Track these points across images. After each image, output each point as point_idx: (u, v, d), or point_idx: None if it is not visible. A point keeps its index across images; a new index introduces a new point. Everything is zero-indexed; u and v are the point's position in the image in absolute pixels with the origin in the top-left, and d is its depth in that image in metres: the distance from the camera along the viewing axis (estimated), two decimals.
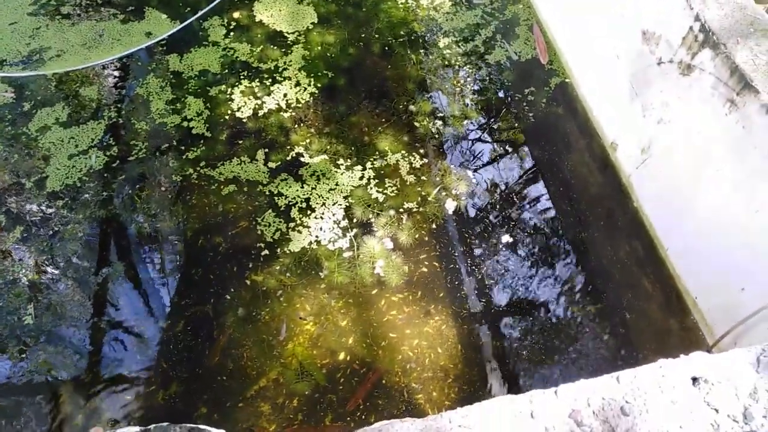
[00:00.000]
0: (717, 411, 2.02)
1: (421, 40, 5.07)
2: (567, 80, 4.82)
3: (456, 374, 3.60)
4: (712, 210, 3.33)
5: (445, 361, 3.63)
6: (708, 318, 3.53)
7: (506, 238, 4.09)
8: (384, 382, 3.54)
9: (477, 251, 4.05)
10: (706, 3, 3.18)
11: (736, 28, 3.05)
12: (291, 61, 4.80)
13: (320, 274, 3.84)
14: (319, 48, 4.92)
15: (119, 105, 4.53)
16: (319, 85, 4.69)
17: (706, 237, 3.43)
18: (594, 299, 3.90)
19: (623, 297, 3.86)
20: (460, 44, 5.04)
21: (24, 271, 3.77)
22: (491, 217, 4.20)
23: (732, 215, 3.15)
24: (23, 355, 3.50)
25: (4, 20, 4.91)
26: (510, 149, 4.57)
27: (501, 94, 4.79)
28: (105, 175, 4.18)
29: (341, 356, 3.60)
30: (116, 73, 4.74)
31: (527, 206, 4.28)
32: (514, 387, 3.60)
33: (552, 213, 4.25)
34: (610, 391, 2.08)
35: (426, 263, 3.96)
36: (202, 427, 2.06)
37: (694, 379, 2.15)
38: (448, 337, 3.71)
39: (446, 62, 4.94)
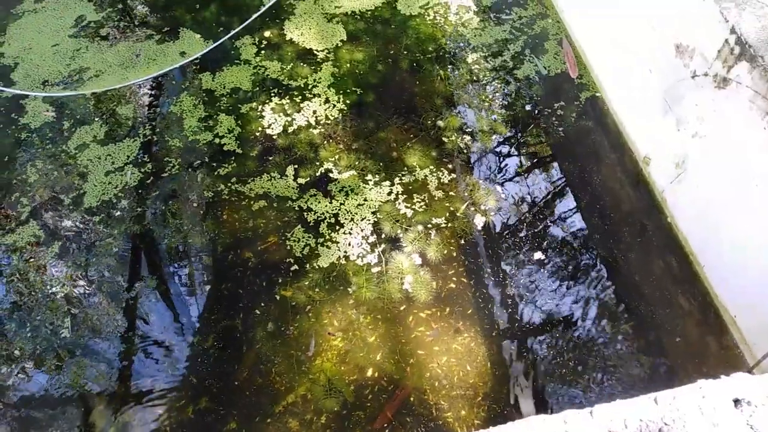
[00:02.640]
0: None
1: (449, 56, 5.09)
2: (597, 94, 4.77)
3: (485, 392, 3.54)
4: (751, 226, 3.23)
5: (474, 379, 3.58)
6: (748, 337, 3.41)
7: (536, 255, 4.04)
8: (412, 399, 3.50)
9: (506, 267, 4.00)
10: (742, 15, 3.11)
11: None
12: (320, 78, 4.86)
13: (349, 289, 3.84)
14: (348, 65, 4.98)
15: (154, 123, 4.65)
16: (348, 101, 4.74)
17: (745, 253, 3.32)
18: (628, 317, 3.81)
19: (658, 315, 3.76)
20: (488, 59, 5.04)
21: (60, 285, 3.87)
22: (521, 233, 4.15)
23: None
24: (60, 368, 3.58)
25: (47, 42, 5.11)
26: (539, 164, 4.53)
27: (530, 109, 4.76)
28: (139, 191, 4.28)
29: (369, 373, 3.58)
30: (151, 92, 4.87)
31: (557, 221, 4.22)
32: (545, 406, 3.52)
33: (583, 228, 4.18)
34: (648, 413, 2.02)
35: (454, 279, 3.93)
36: None
37: (736, 401, 2.07)
38: (477, 355, 3.66)
39: (474, 78, 4.94)
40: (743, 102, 3.10)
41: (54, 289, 3.85)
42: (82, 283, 3.89)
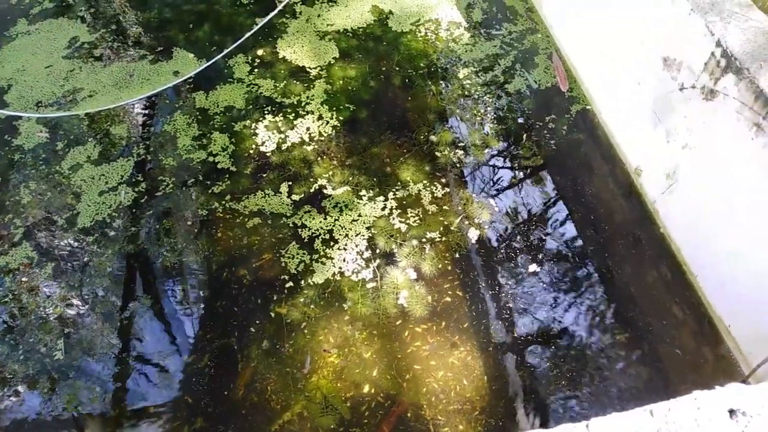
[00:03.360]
0: None
1: (440, 72, 5.14)
2: (588, 107, 4.82)
3: (482, 406, 3.53)
4: (742, 235, 3.25)
5: (471, 393, 3.57)
6: (742, 346, 3.42)
7: (531, 267, 4.05)
8: (409, 415, 3.48)
9: (501, 280, 4.01)
10: (727, 29, 3.17)
11: (759, 52, 3.02)
12: (313, 95, 4.90)
13: (344, 305, 3.83)
14: (341, 82, 5.02)
15: (147, 142, 4.67)
16: (341, 118, 4.77)
17: (737, 263, 3.34)
18: (623, 328, 3.81)
19: (653, 325, 3.77)
20: (479, 74, 5.09)
21: (53, 306, 3.85)
22: (515, 246, 4.17)
23: (764, 241, 3.07)
24: (53, 390, 3.54)
25: (41, 63, 5.14)
26: (532, 177, 4.56)
27: (521, 122, 4.80)
28: (133, 210, 4.28)
29: (366, 389, 3.56)
30: (145, 112, 4.89)
31: (551, 233, 4.24)
32: (542, 420, 3.50)
33: (577, 240, 4.20)
34: (644, 425, 2.02)
35: (450, 293, 3.93)
36: None
37: (731, 412, 2.08)
38: (474, 369, 3.65)
39: (466, 92, 4.99)
40: (731, 113, 3.14)
41: (47, 310, 3.83)
42: (75, 303, 3.87)
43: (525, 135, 4.73)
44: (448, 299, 3.91)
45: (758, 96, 2.91)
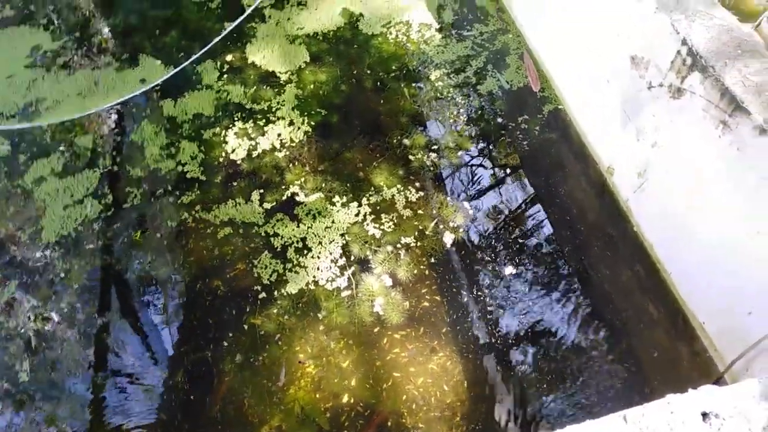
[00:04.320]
0: None
1: (412, 74, 5.10)
2: (560, 107, 4.82)
3: (463, 412, 3.51)
4: (712, 233, 3.27)
5: (451, 399, 3.54)
6: (717, 343, 3.44)
7: (508, 269, 4.03)
8: (389, 423, 3.45)
9: (479, 283, 3.99)
10: (692, 27, 3.18)
11: (724, 50, 3.04)
12: (284, 100, 4.83)
13: (319, 315, 3.78)
14: (312, 86, 4.96)
15: (114, 153, 4.55)
16: (312, 123, 4.70)
17: (709, 260, 3.36)
18: (599, 327, 3.82)
19: (629, 323, 3.78)
20: (451, 76, 5.07)
21: (17, 325, 3.73)
22: (491, 248, 4.15)
23: (733, 238, 3.10)
24: (20, 410, 3.43)
25: (1, 74, 4.98)
26: (506, 178, 4.55)
27: (494, 124, 4.79)
28: (100, 223, 4.16)
29: (345, 399, 3.52)
30: (111, 121, 4.77)
31: (527, 234, 4.23)
32: (522, 423, 3.49)
33: (552, 240, 4.20)
34: None
35: (427, 298, 3.90)
36: None
37: (704, 415, 2.07)
38: (454, 374, 3.63)
39: (439, 94, 4.96)
40: (698, 111, 3.15)
41: (11, 328, 3.70)
42: (41, 321, 3.76)
43: (498, 136, 4.72)
44: (426, 304, 3.88)
45: (723, 94, 2.93)
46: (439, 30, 5.39)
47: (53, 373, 3.58)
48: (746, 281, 3.09)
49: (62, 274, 3.94)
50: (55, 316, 3.78)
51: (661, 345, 3.67)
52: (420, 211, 4.25)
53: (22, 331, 3.71)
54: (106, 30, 5.44)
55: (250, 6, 5.35)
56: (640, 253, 3.98)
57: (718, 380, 3.33)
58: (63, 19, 5.51)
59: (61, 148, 4.54)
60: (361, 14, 5.48)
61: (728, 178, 3.05)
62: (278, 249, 4.02)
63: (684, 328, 3.64)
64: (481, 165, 4.59)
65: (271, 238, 4.07)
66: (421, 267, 4.00)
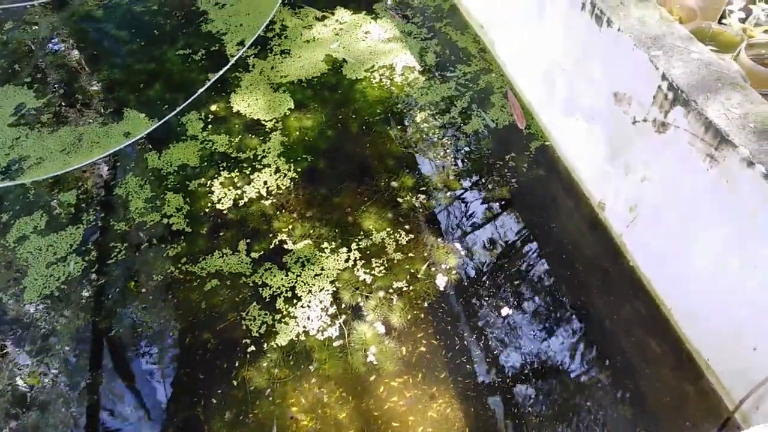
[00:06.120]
0: None
1: (398, 117, 5.11)
2: (547, 143, 4.82)
3: None
4: (708, 267, 3.20)
5: None
6: (724, 380, 3.33)
7: (503, 309, 3.93)
8: None
9: (475, 325, 3.88)
10: (671, 62, 3.19)
11: (704, 83, 3.04)
12: (270, 148, 4.80)
13: (311, 366, 3.65)
14: (298, 133, 4.94)
15: (98, 208, 4.48)
16: (299, 169, 4.67)
17: (708, 296, 3.28)
18: (602, 366, 3.70)
19: (632, 362, 3.66)
20: (436, 117, 5.08)
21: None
22: (485, 288, 4.06)
23: (730, 273, 3.02)
24: None
25: None
26: (497, 217, 4.49)
27: (482, 162, 4.77)
28: (83, 281, 4.06)
29: None
30: (95, 176, 4.72)
31: (520, 273, 4.15)
32: None
33: (548, 278, 4.11)
34: None
35: (423, 343, 3.78)
36: None
37: None
38: (455, 421, 3.48)
39: (424, 136, 4.95)
40: (684, 145, 3.13)
41: None
42: (23, 385, 3.60)
43: (487, 174, 4.69)
44: (422, 349, 3.76)
45: (708, 127, 2.91)
46: (423, 72, 5.43)
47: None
48: (747, 316, 3.00)
49: (44, 335, 3.80)
50: (35, 379, 3.63)
51: (667, 384, 3.54)
52: (411, 254, 4.17)
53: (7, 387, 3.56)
54: (90, 85, 5.46)
55: (233, 56, 5.39)
56: (638, 289, 3.89)
57: (728, 420, 3.20)
58: (47, 76, 5.53)
59: (44, 206, 4.46)
60: (344, 60, 5.53)
61: (720, 210, 3.00)
62: (267, 299, 3.92)
63: (689, 366, 3.52)
64: (470, 205, 4.55)
65: (260, 289, 3.97)
66: (415, 311, 3.90)
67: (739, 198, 2.81)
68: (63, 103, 5.25)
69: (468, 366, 3.70)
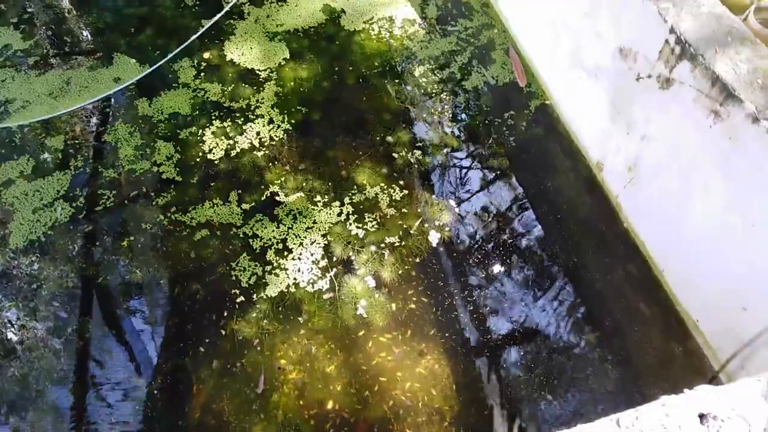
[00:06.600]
0: None
1: (396, 70, 4.98)
2: (547, 102, 4.72)
3: (452, 416, 3.38)
4: (706, 227, 3.17)
5: (440, 403, 3.41)
6: (711, 341, 3.34)
7: (496, 268, 3.91)
8: (376, 430, 3.31)
9: (467, 283, 3.86)
10: (681, 15, 3.08)
11: (713, 38, 2.94)
12: (263, 98, 4.68)
13: (300, 318, 3.63)
14: (292, 84, 4.82)
15: (86, 154, 4.38)
16: (293, 121, 4.56)
17: (702, 256, 3.26)
18: (592, 327, 3.71)
19: (622, 323, 3.67)
20: (436, 72, 4.95)
21: None
22: (478, 247, 4.03)
23: (728, 231, 2.99)
24: None
25: None
26: (493, 175, 4.43)
27: (480, 120, 4.67)
28: (71, 227, 3.99)
29: (329, 405, 3.38)
30: (84, 122, 4.60)
31: (514, 232, 4.11)
32: (514, 426, 3.37)
33: (541, 238, 4.08)
34: None
35: (414, 299, 3.76)
36: None
37: (702, 416, 1.95)
38: (442, 377, 3.50)
39: (423, 91, 4.84)
40: (688, 102, 3.05)
41: None
42: (11, 330, 3.58)
43: (484, 132, 4.60)
44: (413, 306, 3.75)
45: (714, 82, 2.83)
46: (423, 25, 5.27)
47: (20, 386, 3.40)
48: (740, 275, 2.99)
49: (31, 280, 3.76)
50: (22, 325, 3.60)
51: (655, 344, 3.56)
52: (404, 210, 4.11)
53: None
54: (79, 28, 5.28)
55: (228, 3, 5.21)
56: (631, 251, 3.87)
57: (714, 379, 3.23)
58: (34, 17, 5.34)
59: (31, 150, 4.36)
60: (342, 10, 5.36)
61: (720, 168, 2.95)
62: (257, 251, 3.87)
63: (678, 327, 3.53)
64: (467, 162, 4.47)
65: (250, 240, 3.92)
66: (407, 267, 3.87)
67: (742, 154, 2.75)
68: (51, 46, 5.08)
69: (457, 324, 3.70)
